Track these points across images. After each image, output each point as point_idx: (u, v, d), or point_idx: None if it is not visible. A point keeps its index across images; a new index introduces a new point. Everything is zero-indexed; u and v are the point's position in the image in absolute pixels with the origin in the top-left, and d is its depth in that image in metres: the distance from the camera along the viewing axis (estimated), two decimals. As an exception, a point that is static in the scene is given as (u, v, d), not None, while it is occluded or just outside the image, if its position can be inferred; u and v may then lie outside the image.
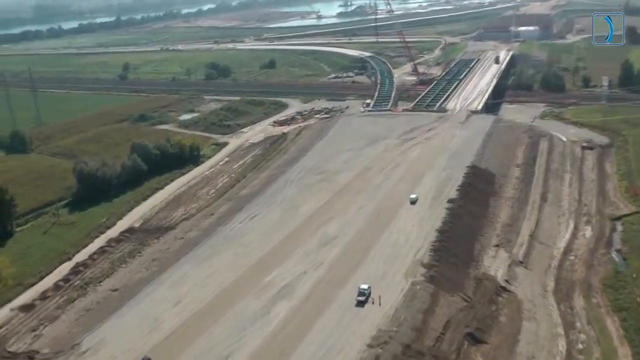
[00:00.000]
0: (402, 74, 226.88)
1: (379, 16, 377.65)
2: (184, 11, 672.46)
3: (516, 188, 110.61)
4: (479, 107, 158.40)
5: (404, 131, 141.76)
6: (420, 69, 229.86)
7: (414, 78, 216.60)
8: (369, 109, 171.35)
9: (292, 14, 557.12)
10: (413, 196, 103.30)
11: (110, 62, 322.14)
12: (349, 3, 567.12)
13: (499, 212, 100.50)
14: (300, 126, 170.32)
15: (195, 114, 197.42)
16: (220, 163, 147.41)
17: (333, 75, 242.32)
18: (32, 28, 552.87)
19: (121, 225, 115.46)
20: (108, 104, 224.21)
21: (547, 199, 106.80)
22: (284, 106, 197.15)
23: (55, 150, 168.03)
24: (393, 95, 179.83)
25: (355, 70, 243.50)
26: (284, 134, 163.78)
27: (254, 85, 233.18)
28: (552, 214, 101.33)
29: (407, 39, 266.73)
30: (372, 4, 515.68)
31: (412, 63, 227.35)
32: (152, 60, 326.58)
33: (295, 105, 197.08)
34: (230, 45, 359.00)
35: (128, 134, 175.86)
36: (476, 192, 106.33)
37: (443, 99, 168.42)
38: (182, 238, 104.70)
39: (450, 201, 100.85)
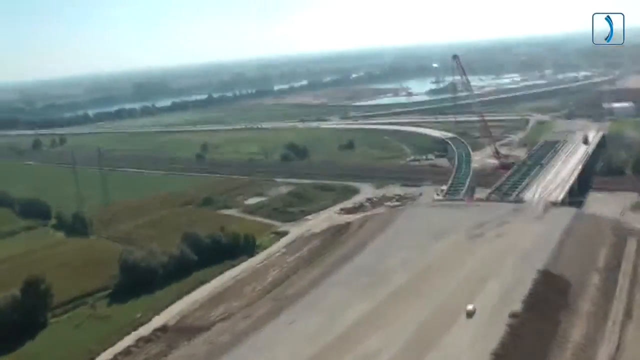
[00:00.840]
0: (485, 157, 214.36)
1: (465, 93, 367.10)
2: (276, 88, 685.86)
3: (594, 300, 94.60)
4: (560, 198, 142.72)
5: (473, 225, 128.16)
6: (503, 151, 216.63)
7: (495, 161, 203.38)
8: (440, 198, 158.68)
9: (384, 91, 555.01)
10: (470, 307, 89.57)
11: (192, 141, 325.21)
12: (440, 79, 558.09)
13: (571, 331, 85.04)
14: (366, 215, 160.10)
15: (262, 198, 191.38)
16: (276, 254, 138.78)
17: (412, 157, 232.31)
18: (129, 106, 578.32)
19: (156, 321, 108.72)
20: (179, 185, 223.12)
21: (632, 316, 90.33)
22: (355, 192, 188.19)
23: (114, 234, 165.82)
24: (468, 182, 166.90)
25: (436, 153, 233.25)
26: (348, 224, 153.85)
27: (328, 167, 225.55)
28: (638, 337, 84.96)
29: (493, 117, 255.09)
30: (464, 81, 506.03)
31: (493, 145, 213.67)
32: (234, 139, 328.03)
33: (366, 191, 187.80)
34: (314, 124, 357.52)
35: (189, 218, 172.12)
36: (545, 304, 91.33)
37: (521, 187, 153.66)
38: (211, 343, 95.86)
39: (512, 315, 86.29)
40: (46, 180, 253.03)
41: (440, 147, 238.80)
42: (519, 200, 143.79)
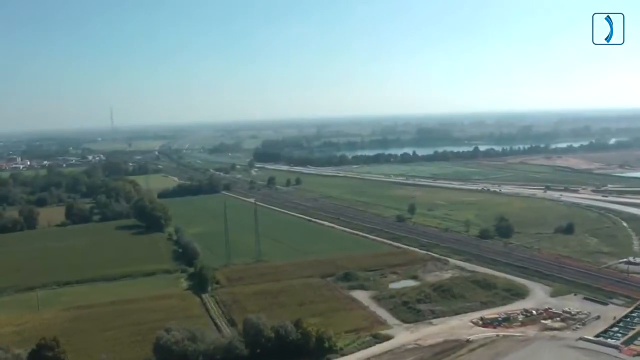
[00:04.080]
0: None
1: None
2: (554, 146, 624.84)
3: None
4: None
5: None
6: None
7: None
8: (591, 337, 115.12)
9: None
10: None
11: (413, 198, 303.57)
12: None
13: None
14: (501, 335, 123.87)
15: (414, 283, 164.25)
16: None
17: (627, 259, 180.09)
18: (402, 151, 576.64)
19: None
20: (353, 249, 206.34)
21: None
22: (520, 295, 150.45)
23: (224, 297, 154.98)
24: None
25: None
26: (466, 343, 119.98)
27: (518, 255, 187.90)
28: None
29: None
30: None
31: None
32: (459, 201, 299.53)
33: (536, 297, 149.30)
34: (557, 195, 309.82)
35: (312, 294, 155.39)
36: None
37: None
38: None
39: None
40: (243, 223, 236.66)
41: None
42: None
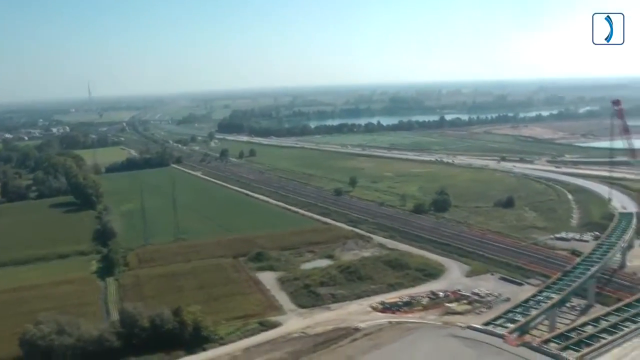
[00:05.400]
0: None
1: None
2: (523, 115, 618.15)
3: None
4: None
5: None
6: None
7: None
8: (478, 326, 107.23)
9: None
10: None
11: (361, 170, 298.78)
12: None
13: None
14: (390, 322, 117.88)
15: (327, 263, 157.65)
16: (226, 358, 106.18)
17: (559, 235, 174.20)
18: (370, 120, 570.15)
19: None
20: (278, 225, 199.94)
21: None
22: (433, 276, 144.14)
23: (128, 281, 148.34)
24: (555, 302, 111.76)
25: (596, 233, 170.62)
26: (354, 331, 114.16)
27: (441, 232, 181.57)
28: None
29: None
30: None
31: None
32: (406, 173, 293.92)
33: (450, 277, 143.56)
34: (509, 166, 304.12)
35: (217, 277, 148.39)
36: None
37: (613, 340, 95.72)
38: None
39: None
40: (179, 198, 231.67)
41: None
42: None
